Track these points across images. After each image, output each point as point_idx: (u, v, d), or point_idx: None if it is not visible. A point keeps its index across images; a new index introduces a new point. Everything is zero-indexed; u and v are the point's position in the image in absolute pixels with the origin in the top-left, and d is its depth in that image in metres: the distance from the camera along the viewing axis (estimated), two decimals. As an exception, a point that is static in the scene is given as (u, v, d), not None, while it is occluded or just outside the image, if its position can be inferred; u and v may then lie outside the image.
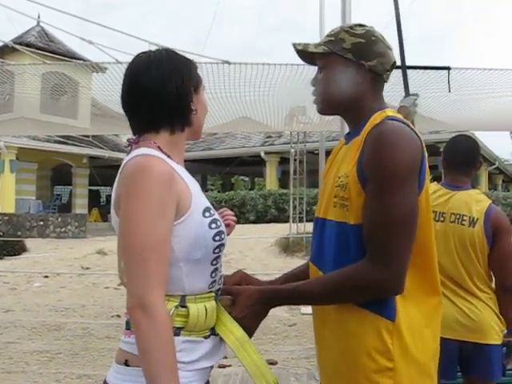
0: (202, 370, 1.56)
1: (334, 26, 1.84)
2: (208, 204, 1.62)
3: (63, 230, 22.10)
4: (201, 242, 1.54)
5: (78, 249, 16.50)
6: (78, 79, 10.41)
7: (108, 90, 8.64)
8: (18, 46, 11.31)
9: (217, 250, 1.59)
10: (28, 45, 18.38)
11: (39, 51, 13.79)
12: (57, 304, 9.30)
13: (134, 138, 1.64)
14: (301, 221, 15.14)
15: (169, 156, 1.59)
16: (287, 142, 18.73)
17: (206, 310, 1.56)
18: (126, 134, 23.69)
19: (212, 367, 1.62)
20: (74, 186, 27.07)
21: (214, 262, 1.60)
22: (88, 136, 22.36)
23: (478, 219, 2.89)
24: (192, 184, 1.60)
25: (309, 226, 14.81)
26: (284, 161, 24.06)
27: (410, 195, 1.58)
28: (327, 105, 1.83)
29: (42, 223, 21.93)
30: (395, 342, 1.59)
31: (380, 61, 1.74)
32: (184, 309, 1.53)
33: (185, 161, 1.72)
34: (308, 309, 6.85)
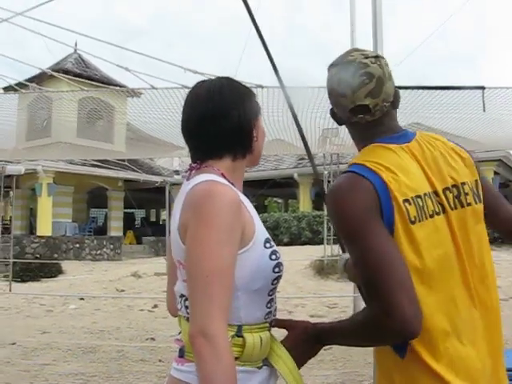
0: None
1: (365, 47, 1.82)
2: (267, 235, 1.61)
3: (99, 252, 22.41)
4: (261, 273, 1.53)
5: (113, 271, 16.65)
6: (114, 104, 10.57)
7: (143, 114, 8.76)
8: (55, 73, 11.54)
9: (275, 282, 1.58)
10: (65, 71, 18.89)
11: (76, 78, 14.07)
12: (92, 326, 9.36)
13: (196, 163, 1.63)
14: (335, 243, 15.01)
15: (232, 183, 1.58)
16: (320, 164, 18.71)
17: (261, 340, 1.55)
18: (160, 158, 23.96)
19: None
20: (109, 209, 27.41)
21: (271, 293, 1.59)
22: (123, 160, 22.68)
23: None
24: (254, 214, 1.61)
25: (343, 248, 14.66)
26: (317, 182, 23.98)
27: (376, 239, 1.49)
28: None
29: (78, 245, 22.28)
30: (402, 379, 1.53)
31: (336, 110, 1.76)
32: (240, 338, 1.51)
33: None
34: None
